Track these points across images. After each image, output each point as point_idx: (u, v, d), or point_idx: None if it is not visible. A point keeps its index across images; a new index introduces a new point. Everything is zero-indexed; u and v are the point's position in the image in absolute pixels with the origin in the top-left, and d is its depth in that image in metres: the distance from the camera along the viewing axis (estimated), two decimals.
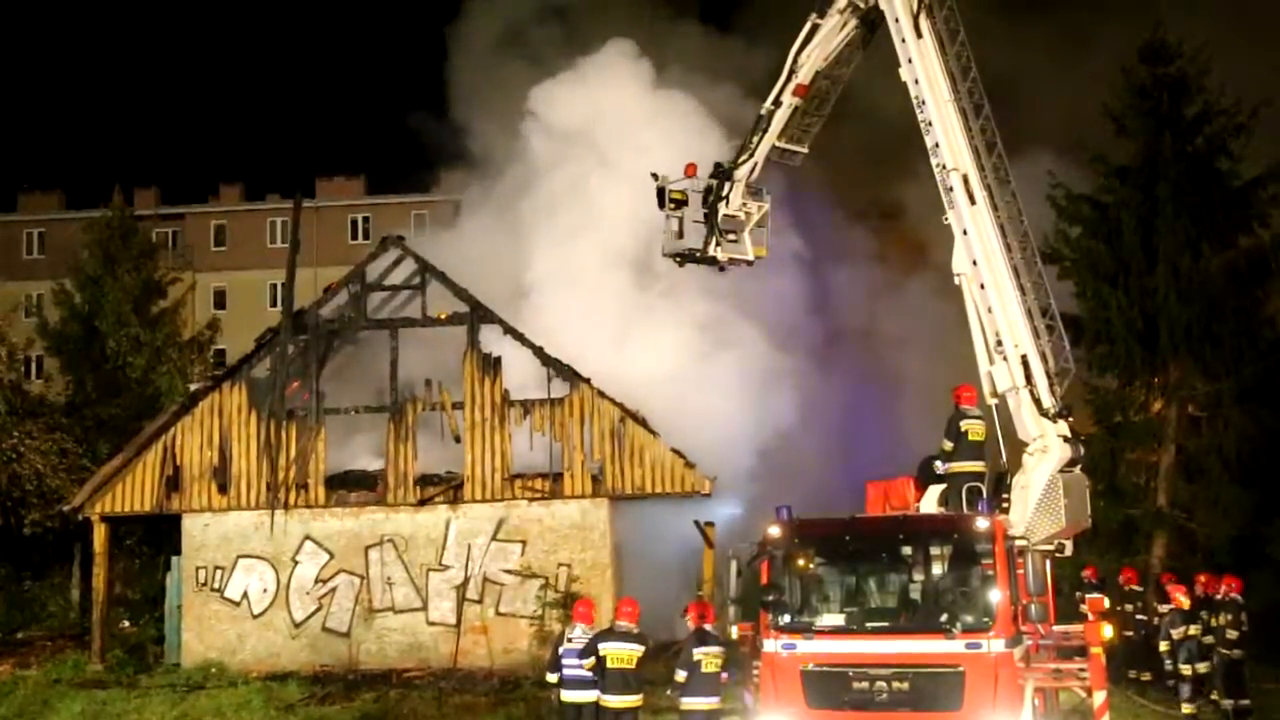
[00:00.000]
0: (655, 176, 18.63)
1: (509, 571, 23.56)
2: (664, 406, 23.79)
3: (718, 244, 18.42)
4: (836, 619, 12.79)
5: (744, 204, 18.47)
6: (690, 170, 18.54)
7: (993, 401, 14.82)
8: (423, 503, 23.81)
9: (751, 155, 18.34)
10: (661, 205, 18.47)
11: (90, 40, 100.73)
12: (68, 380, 36.94)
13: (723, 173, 18.37)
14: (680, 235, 18.45)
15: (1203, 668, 17.40)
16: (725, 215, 18.33)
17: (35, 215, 58.06)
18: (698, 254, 18.52)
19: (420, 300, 24.69)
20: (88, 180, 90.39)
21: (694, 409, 23.61)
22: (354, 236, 54.93)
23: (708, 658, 13.79)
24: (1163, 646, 18.58)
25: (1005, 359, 14.73)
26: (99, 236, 38.26)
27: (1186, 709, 17.27)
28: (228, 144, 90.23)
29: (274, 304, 49.27)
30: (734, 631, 13.85)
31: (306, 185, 54.91)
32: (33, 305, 46.03)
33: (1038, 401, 14.47)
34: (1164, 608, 18.94)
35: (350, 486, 24.38)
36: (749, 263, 18.93)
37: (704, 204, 18.32)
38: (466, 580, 23.57)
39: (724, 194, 18.29)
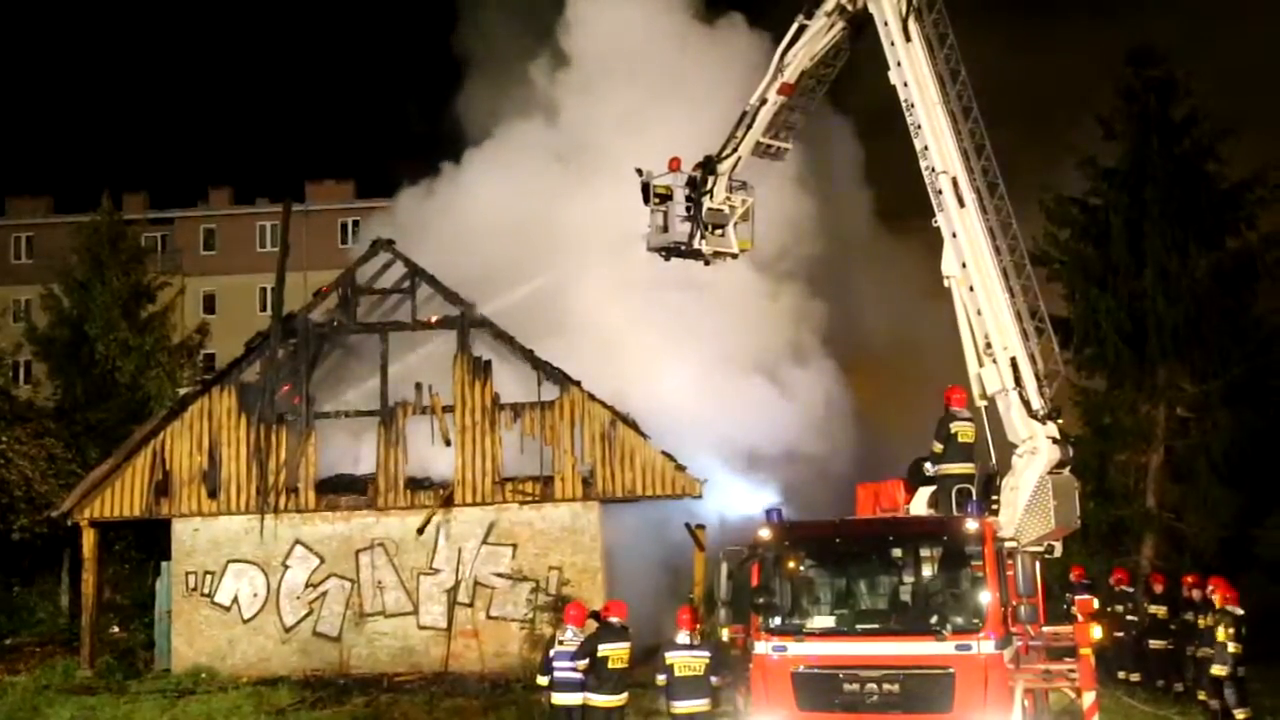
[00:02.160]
0: (640, 172, 18.64)
1: (500, 575, 23.51)
2: (664, 407, 23.69)
3: (702, 237, 18.46)
4: (827, 621, 12.82)
5: (727, 197, 18.52)
6: (674, 164, 18.54)
7: (982, 403, 14.88)
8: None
9: (735, 150, 18.42)
10: (646, 200, 18.50)
11: (79, 45, 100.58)
12: (56, 385, 36.80)
13: (706, 166, 18.43)
14: (665, 229, 18.49)
15: (1222, 670, 16.66)
16: (710, 209, 18.38)
17: (24, 220, 57.81)
18: (683, 247, 18.56)
19: (410, 304, 24.66)
20: (76, 184, 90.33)
21: (694, 410, 23.55)
22: (344, 240, 54.69)
23: (679, 662, 13.82)
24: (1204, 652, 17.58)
25: (994, 361, 14.79)
26: (88, 241, 38.21)
27: (1240, 715, 16.52)
28: (217, 148, 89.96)
29: (264, 308, 49.15)
30: (725, 634, 13.87)
31: (296, 189, 55.04)
32: (21, 310, 45.99)
33: (1027, 403, 14.53)
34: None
35: (340, 490, 24.27)
36: (734, 256, 18.99)
37: (688, 198, 18.37)
38: (457, 584, 23.50)
39: (708, 188, 18.34)
